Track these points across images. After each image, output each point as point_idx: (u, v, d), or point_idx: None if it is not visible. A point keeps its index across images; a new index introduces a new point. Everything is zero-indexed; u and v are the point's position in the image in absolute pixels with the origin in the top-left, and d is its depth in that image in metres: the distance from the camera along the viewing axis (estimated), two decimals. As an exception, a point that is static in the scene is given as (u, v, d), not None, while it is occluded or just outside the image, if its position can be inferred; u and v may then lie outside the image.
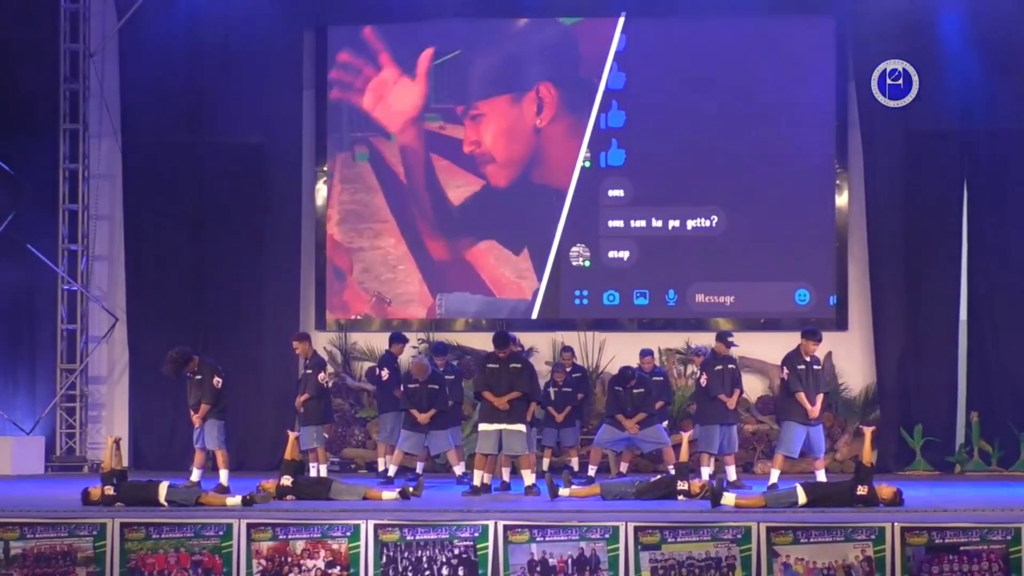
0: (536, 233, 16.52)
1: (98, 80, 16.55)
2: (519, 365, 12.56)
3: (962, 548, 9.70)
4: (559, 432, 14.33)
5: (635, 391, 13.32)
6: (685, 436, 12.44)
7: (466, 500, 11.91)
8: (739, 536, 9.84)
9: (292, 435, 12.55)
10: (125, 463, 12.05)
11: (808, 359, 12.86)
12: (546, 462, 14.45)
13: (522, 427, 12.37)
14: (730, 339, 13.55)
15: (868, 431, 11.89)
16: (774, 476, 12.70)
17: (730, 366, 13.45)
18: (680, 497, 11.69)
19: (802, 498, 11.04)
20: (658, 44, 16.42)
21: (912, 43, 15.67)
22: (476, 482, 12.41)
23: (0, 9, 16.11)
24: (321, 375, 13.76)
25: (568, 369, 14.61)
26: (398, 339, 14.83)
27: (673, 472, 12.35)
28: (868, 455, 11.57)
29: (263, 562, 10.11)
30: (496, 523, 9.99)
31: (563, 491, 11.97)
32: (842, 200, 16.21)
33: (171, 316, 16.42)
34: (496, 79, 16.66)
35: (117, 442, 11.86)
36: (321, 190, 16.79)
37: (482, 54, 16.69)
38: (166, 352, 13.29)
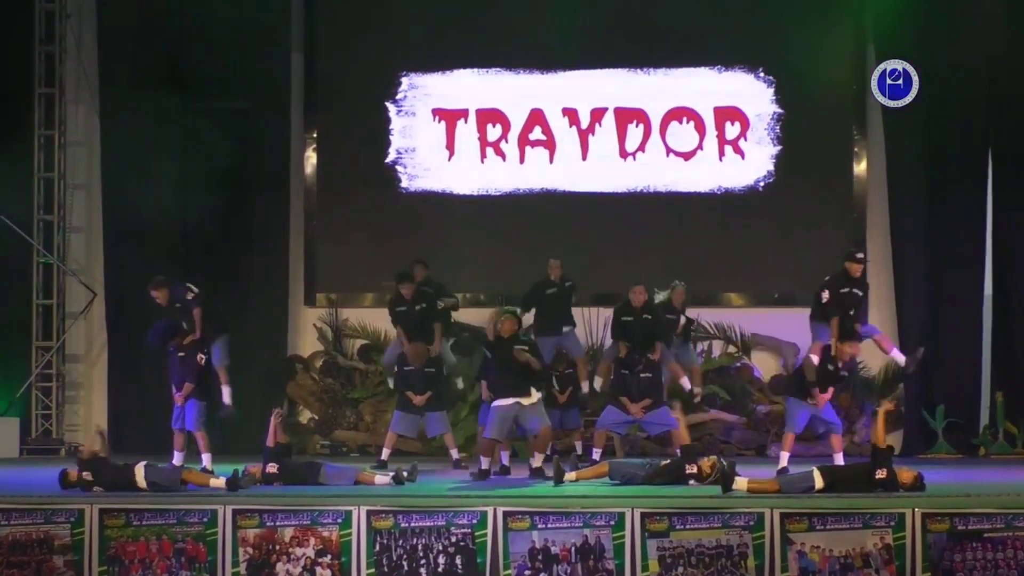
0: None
1: (75, 42, 16.30)
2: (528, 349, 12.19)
3: (986, 535, 9.50)
4: (561, 414, 14.12)
5: (642, 375, 13.02)
6: (680, 417, 12.15)
7: (463, 485, 11.58)
8: (751, 523, 9.63)
9: (274, 419, 12.08)
10: (106, 454, 11.70)
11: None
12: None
13: (536, 396, 12.04)
14: (859, 256, 12.63)
15: (881, 411, 11.35)
16: (783, 459, 12.38)
17: (855, 290, 12.50)
18: (691, 482, 11.32)
19: (819, 482, 10.64)
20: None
21: (934, 5, 15.36)
22: (484, 465, 12.13)
23: (-28, -32, 15.90)
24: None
25: (570, 349, 14.46)
26: None
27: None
28: (881, 436, 11.08)
29: (250, 550, 9.92)
30: (495, 509, 9.80)
31: (569, 475, 11.67)
32: (860, 169, 15.98)
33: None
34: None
35: (102, 433, 11.64)
36: (310, 158, 16.54)
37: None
38: (147, 329, 13.08)
